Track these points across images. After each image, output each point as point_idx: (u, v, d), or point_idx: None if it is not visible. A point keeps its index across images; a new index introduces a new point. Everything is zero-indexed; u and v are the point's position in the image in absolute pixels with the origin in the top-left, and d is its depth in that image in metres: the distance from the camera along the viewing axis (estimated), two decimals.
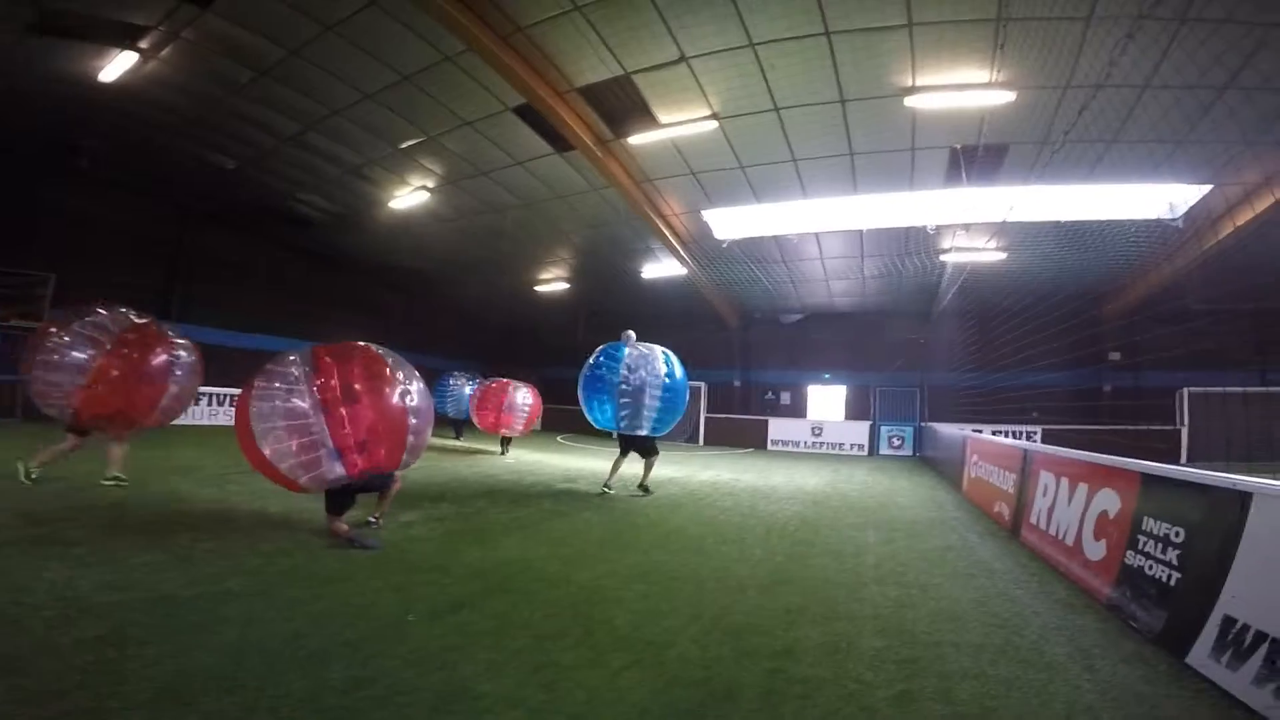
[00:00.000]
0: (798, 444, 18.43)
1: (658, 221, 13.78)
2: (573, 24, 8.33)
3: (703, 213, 13.70)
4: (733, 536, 5.56)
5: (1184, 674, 2.75)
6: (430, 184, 13.80)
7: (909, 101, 9.06)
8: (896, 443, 17.99)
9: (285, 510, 5.51)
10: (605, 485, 7.80)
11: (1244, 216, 10.52)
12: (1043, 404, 13.74)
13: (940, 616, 3.46)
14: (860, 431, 18.27)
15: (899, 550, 5.20)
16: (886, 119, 9.73)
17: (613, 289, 20.09)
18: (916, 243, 13.71)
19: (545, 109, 9.89)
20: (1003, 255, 13.09)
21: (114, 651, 2.48)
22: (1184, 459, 13.64)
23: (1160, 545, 3.24)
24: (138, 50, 9.46)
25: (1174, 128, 8.72)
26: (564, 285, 20.30)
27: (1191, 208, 10.73)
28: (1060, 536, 4.63)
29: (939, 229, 12.78)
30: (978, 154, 9.88)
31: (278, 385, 4.29)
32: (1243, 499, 2.73)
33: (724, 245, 14.90)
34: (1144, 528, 3.43)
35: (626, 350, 7.78)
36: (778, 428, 19.02)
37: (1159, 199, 10.69)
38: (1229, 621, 2.63)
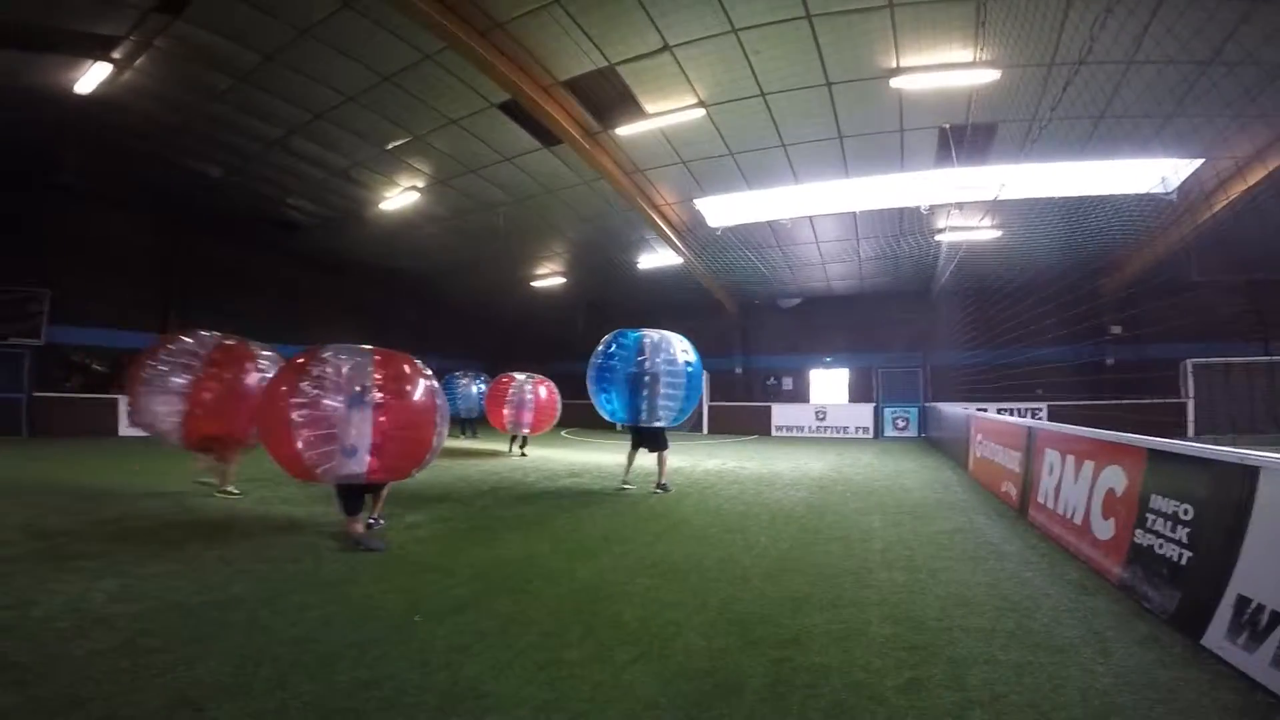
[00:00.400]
0: (802, 429, 18.42)
1: (651, 212, 13.70)
2: (552, 17, 8.22)
3: (695, 201, 13.62)
4: (737, 525, 5.53)
5: (1200, 656, 2.68)
6: (420, 184, 13.71)
7: (895, 83, 9.00)
8: (901, 424, 17.95)
9: (290, 516, 5.53)
10: (623, 482, 7.56)
11: (1237, 189, 10.48)
12: (1047, 380, 13.69)
13: (950, 601, 3.42)
14: (864, 414, 18.24)
15: (906, 534, 5.16)
16: (873, 101, 9.67)
17: (610, 281, 20.03)
18: (911, 223, 13.65)
19: (531, 104, 9.80)
20: (998, 233, 13.02)
21: (127, 661, 2.49)
22: (1191, 433, 13.58)
23: (1169, 523, 3.19)
24: (110, 61, 9.34)
25: (1160, 102, 8.67)
26: (561, 280, 20.23)
27: (1184, 181, 10.69)
28: (1069, 516, 4.59)
29: (933, 209, 12.72)
30: (966, 134, 9.82)
31: (320, 380, 4.37)
32: (1250, 474, 2.67)
33: (718, 233, 14.83)
34: (1152, 505, 3.38)
35: (638, 337, 7.41)
36: (781, 413, 19.00)
37: (1151, 173, 10.62)
38: (1243, 601, 2.57)
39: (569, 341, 17.59)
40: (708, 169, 12.28)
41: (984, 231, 12.79)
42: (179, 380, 5.89)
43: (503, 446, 12.52)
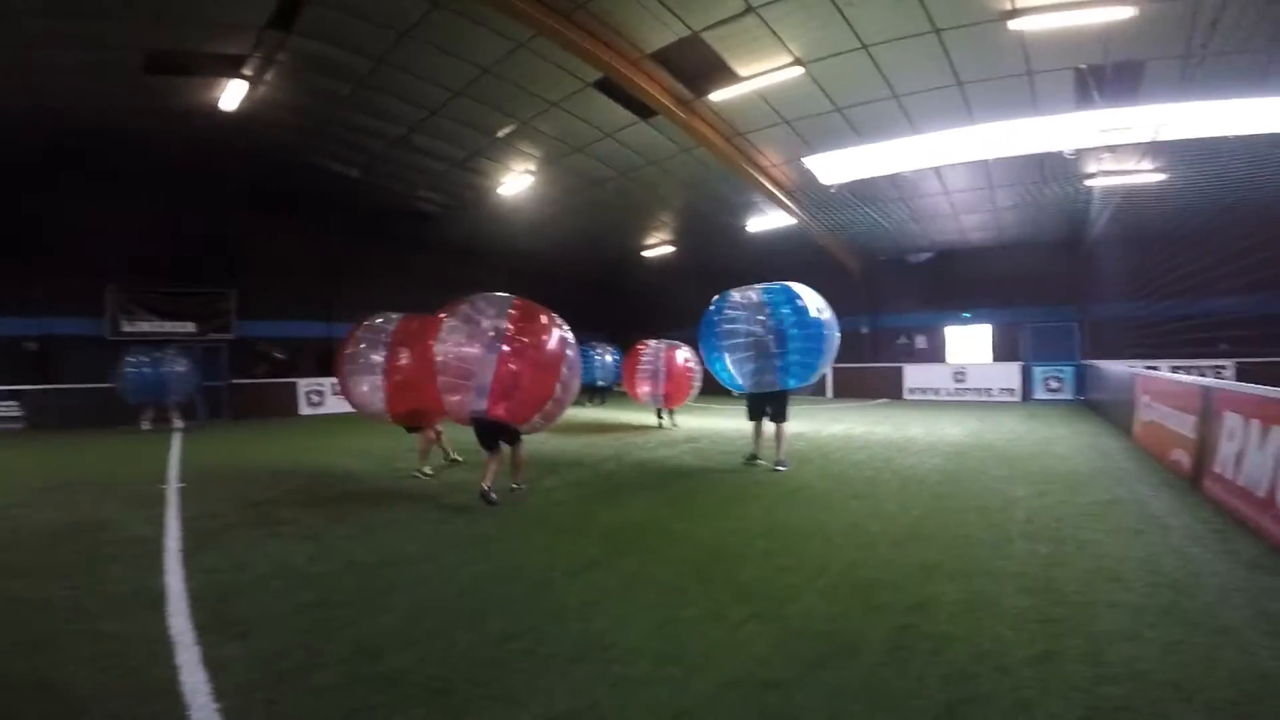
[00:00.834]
0: (938, 391, 17.22)
1: (756, 175, 13.35)
2: None
3: (804, 160, 13.00)
4: (864, 491, 5.42)
5: None
6: (532, 167, 14.34)
7: (1013, 25, 8.08)
8: (1054, 385, 16.22)
9: (442, 484, 6.20)
10: (753, 456, 6.97)
11: None
12: (1232, 333, 11.69)
13: (1097, 575, 3.18)
14: (1010, 374, 16.65)
15: (1054, 504, 4.77)
16: (991, 45, 8.72)
17: (720, 246, 19.78)
18: (1054, 169, 12.13)
19: (622, 79, 9.88)
20: (1162, 176, 11.24)
21: (322, 614, 2.93)
22: None
23: None
24: (243, 77, 10.46)
25: None
26: (670, 249, 20.40)
27: None
28: (1250, 488, 4.03)
29: (1079, 153, 11.21)
30: (1107, 74, 8.60)
31: (469, 324, 4.99)
32: None
33: (832, 190, 14.07)
34: None
35: (736, 295, 6.78)
36: (914, 375, 17.85)
37: None
38: None
39: (683, 308, 17.70)
40: (813, 126, 11.70)
41: (1145, 175, 11.11)
42: (376, 358, 6.23)
43: (635, 418, 12.53)
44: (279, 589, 3.29)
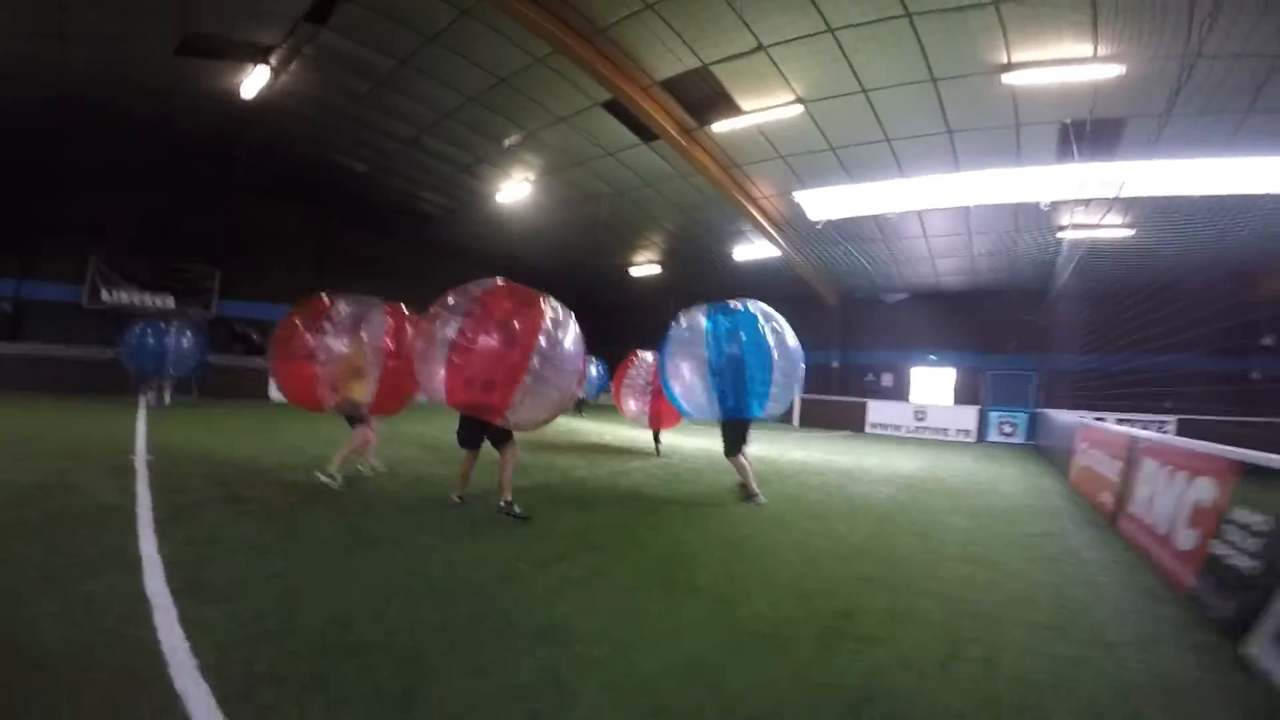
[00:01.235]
0: (899, 428, 17.86)
1: (748, 205, 13.87)
2: (648, 22, 8.63)
3: (794, 194, 13.58)
4: (818, 513, 5.74)
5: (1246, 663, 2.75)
6: (532, 176, 14.69)
7: (1006, 79, 8.62)
8: (1008, 429, 16.97)
9: (416, 475, 6.39)
10: (756, 495, 6.18)
11: None
12: (1177, 390, 12.46)
13: (1012, 597, 3.55)
14: (967, 417, 17.39)
15: (988, 535, 5.18)
16: (984, 96, 9.30)
17: (706, 271, 20.30)
18: (1029, 219, 12.85)
19: (630, 103, 10.33)
20: (1130, 232, 11.99)
21: (292, 583, 3.06)
22: None
23: (1244, 534, 3.16)
24: (268, 65, 10.73)
25: None
26: (657, 269, 20.83)
27: None
28: (1155, 526, 4.49)
29: (1054, 205, 11.91)
30: (1088, 129, 9.18)
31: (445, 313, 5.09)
32: None
33: (818, 226, 14.65)
34: (1232, 517, 3.33)
35: (685, 318, 6.45)
36: (878, 410, 18.50)
37: None
38: None
39: (663, 329, 18.10)
40: (807, 163, 12.26)
41: (1113, 230, 11.83)
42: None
43: (623, 435, 12.31)
44: (252, 561, 3.39)
